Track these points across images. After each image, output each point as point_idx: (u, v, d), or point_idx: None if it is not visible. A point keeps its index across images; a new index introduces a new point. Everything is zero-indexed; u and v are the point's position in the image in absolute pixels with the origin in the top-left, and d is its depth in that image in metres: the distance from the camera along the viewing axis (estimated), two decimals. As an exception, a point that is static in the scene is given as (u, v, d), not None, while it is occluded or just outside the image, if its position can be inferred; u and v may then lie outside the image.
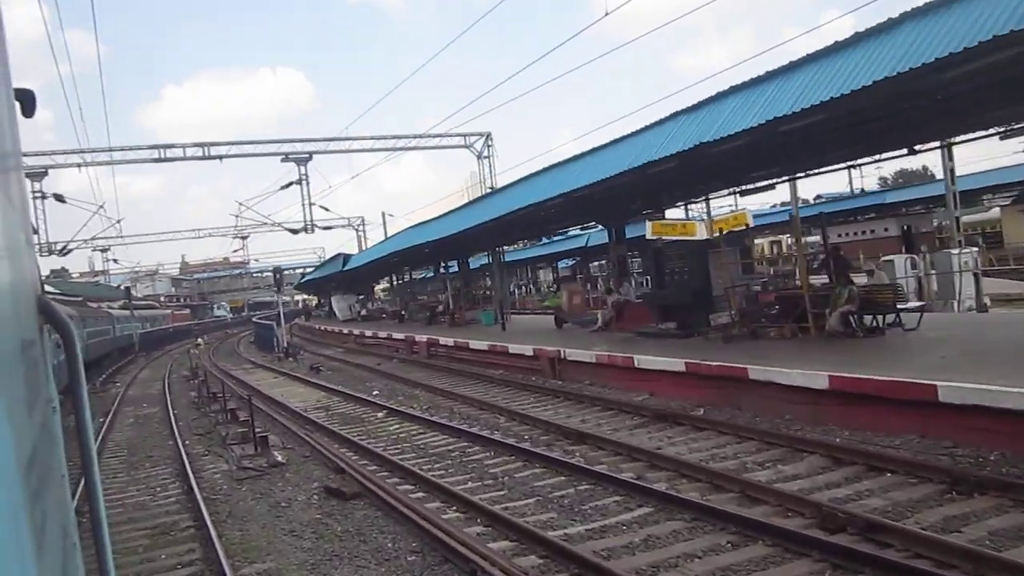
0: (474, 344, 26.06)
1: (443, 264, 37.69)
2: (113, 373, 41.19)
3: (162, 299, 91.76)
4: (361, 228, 52.63)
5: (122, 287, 65.66)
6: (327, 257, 77.64)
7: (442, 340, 29.19)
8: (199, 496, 12.05)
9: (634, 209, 24.06)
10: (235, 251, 75.10)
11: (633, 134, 18.45)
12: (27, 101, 2.50)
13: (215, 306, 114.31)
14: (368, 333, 40.08)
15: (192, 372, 34.48)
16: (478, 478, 11.74)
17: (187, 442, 18.02)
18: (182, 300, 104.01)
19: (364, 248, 52.91)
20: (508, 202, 25.51)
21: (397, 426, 17.06)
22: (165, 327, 73.35)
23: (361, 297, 57.15)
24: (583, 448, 12.79)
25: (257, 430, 18.19)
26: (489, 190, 37.41)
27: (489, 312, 33.68)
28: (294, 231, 44.80)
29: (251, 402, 16.94)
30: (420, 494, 11.03)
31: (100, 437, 19.88)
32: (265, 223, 52.00)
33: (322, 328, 53.65)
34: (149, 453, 17.51)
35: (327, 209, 46.03)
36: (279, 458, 14.30)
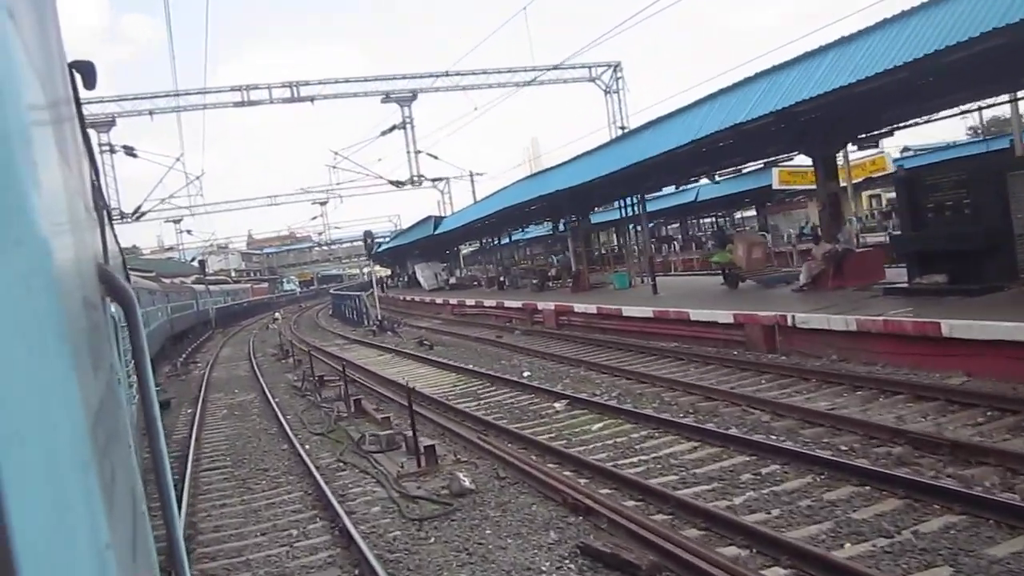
0: (629, 311, 21.05)
1: (560, 221, 32.46)
2: (192, 352, 37.42)
3: (233, 273, 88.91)
4: (447, 189, 47.83)
5: (195, 261, 62.39)
6: (402, 226, 73.53)
7: (577, 307, 24.24)
8: (373, 561, 7.34)
9: (846, 132, 18.61)
10: (313, 218, 70.44)
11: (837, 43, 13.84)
12: (87, 73, 2.74)
13: (284, 280, 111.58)
14: (469, 302, 35.41)
15: (282, 350, 30.29)
16: (850, 532, 6.80)
17: (307, 447, 13.51)
18: (252, 274, 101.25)
19: (447, 212, 48.21)
20: (653, 142, 20.47)
21: (599, 425, 12.20)
22: (240, 301, 70.33)
23: (446, 265, 52.67)
24: (982, 471, 7.73)
25: (397, 424, 13.59)
26: (622, 130, 32.27)
27: (622, 274, 28.61)
28: (398, 183, 39.75)
29: (374, 390, 12.23)
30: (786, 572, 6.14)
31: (193, 437, 15.56)
32: (362, 173, 45.25)
33: (406, 298, 49.31)
34: (261, 464, 13.03)
35: (436, 157, 40.38)
36: (465, 481, 9.53)
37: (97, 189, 4.27)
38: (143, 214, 28.62)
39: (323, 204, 51.51)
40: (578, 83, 36.85)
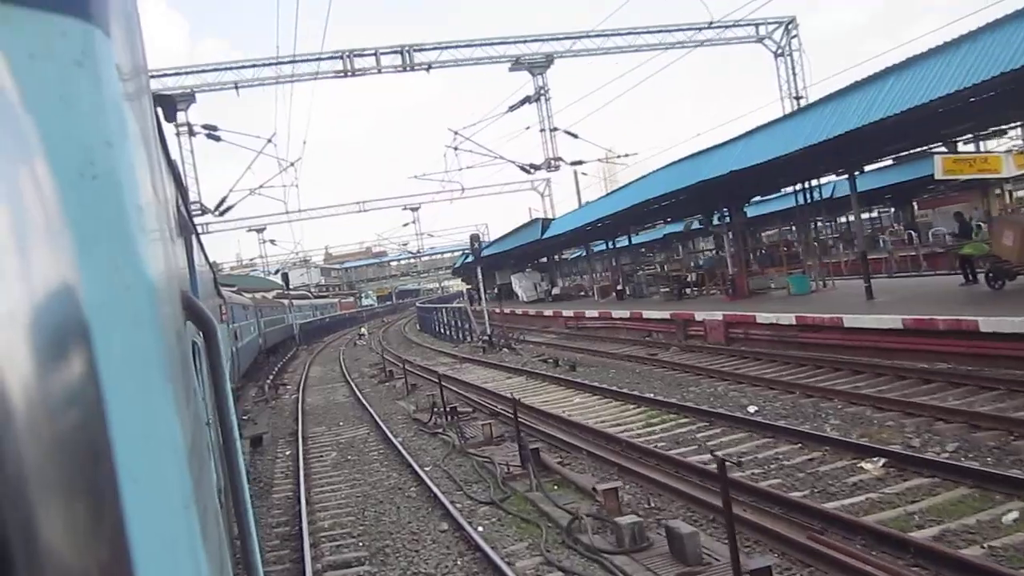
0: (852, 320, 15.79)
1: (708, 214, 27.09)
2: (279, 372, 33.39)
3: (313, 288, 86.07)
4: (548, 192, 43.04)
5: (279, 274, 59.11)
6: (491, 236, 69.27)
7: (760, 317, 19.01)
8: None
9: None
10: (405, 224, 66.66)
11: None
12: (168, 106, 5.43)
13: (363, 295, 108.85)
14: (592, 313, 30.47)
15: (384, 372, 25.80)
16: None
17: (480, 527, 8.76)
18: (331, 289, 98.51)
19: (547, 214, 43.37)
20: (875, 102, 15.35)
21: (1009, 515, 7.06)
22: (326, 316, 67.51)
23: (544, 274, 47.88)
24: None
25: (604, 491, 8.78)
26: (797, 102, 27.01)
27: (799, 276, 23.25)
28: (530, 168, 32.94)
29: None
30: None
31: (302, 499, 11.01)
32: (487, 155, 37.93)
33: (502, 311, 44.32)
34: (416, 559, 8.29)
35: (575, 136, 32.45)
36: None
37: (183, 210, 4.27)
38: (228, 208, 24.69)
39: (415, 210, 47.05)
40: (743, 43, 30.97)
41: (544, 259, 49.82)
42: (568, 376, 19.28)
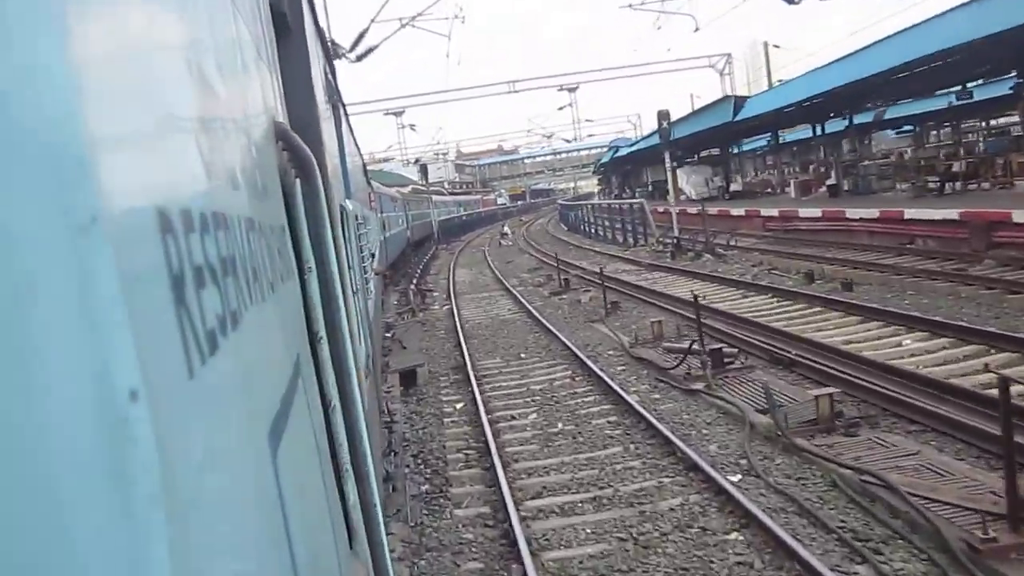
0: None
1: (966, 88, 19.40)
2: (422, 275, 28.65)
3: (446, 184, 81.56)
4: (728, 70, 35.48)
5: (417, 164, 54.30)
6: (643, 131, 62.03)
7: None
8: None
9: None
10: (560, 108, 59.93)
11: None
12: None
13: (497, 193, 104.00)
14: (811, 213, 23.66)
15: (560, 282, 20.24)
16: None
17: None
18: (464, 186, 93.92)
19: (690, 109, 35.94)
20: None
21: None
22: (462, 214, 63.24)
23: (717, 168, 40.69)
24: None
25: None
26: None
27: None
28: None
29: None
30: None
31: (520, 537, 5.63)
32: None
33: (661, 210, 37.40)
34: None
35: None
36: None
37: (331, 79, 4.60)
38: (370, 51, 19.39)
39: (573, 91, 40.54)
40: None
41: (715, 151, 42.46)
42: (842, 297, 13.06)
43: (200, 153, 0.82)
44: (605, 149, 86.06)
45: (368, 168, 19.06)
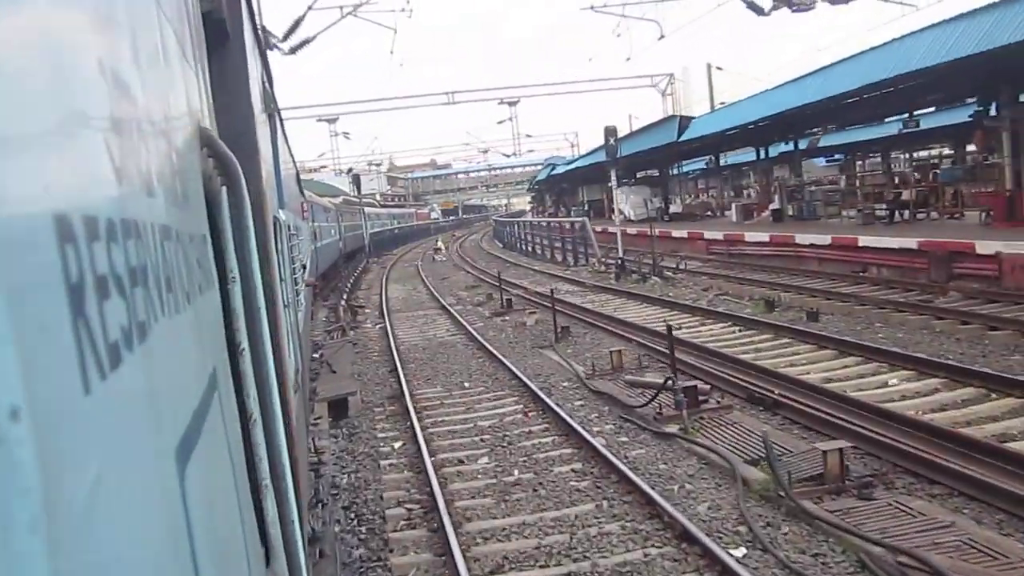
0: None
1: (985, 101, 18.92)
2: (351, 289, 27.05)
3: (378, 196, 79.39)
4: (670, 90, 35.09)
5: (349, 174, 52.14)
6: (582, 149, 62.02)
7: None
8: None
9: None
10: (499, 122, 61.38)
11: None
12: None
13: (429, 208, 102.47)
14: (757, 237, 23.14)
15: (502, 302, 18.99)
16: None
17: None
18: (396, 199, 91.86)
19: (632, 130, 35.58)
20: None
21: None
22: (394, 227, 61.78)
23: (655, 189, 40.19)
24: None
25: None
26: None
27: None
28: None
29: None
30: None
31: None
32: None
33: (604, 230, 36.84)
34: None
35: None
36: None
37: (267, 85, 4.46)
38: (305, 43, 17.73)
39: (513, 104, 39.68)
40: None
41: (653, 172, 42.06)
42: (810, 328, 12.24)
43: (111, 157, 0.79)
44: (539, 167, 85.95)
45: (300, 177, 18.18)
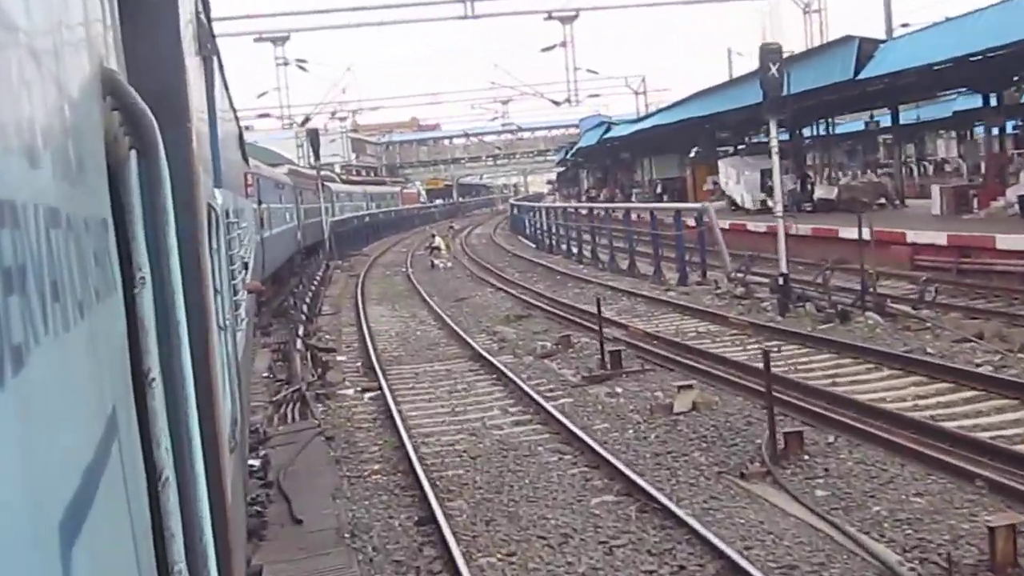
0: None
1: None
2: (312, 309, 23.21)
3: (337, 168, 75.13)
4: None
5: (306, 132, 47.93)
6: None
7: None
8: None
9: None
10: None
11: None
12: None
13: (408, 184, 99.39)
14: (1010, 245, 18.63)
15: (603, 358, 14.37)
16: None
17: None
18: (363, 173, 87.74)
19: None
20: None
21: None
22: (366, 216, 60.99)
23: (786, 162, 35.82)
24: None
25: None
26: None
27: None
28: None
29: None
30: None
31: None
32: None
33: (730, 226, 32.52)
34: None
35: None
36: None
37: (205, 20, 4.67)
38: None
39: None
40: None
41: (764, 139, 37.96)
42: None
43: None
44: (570, 130, 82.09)
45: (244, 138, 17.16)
